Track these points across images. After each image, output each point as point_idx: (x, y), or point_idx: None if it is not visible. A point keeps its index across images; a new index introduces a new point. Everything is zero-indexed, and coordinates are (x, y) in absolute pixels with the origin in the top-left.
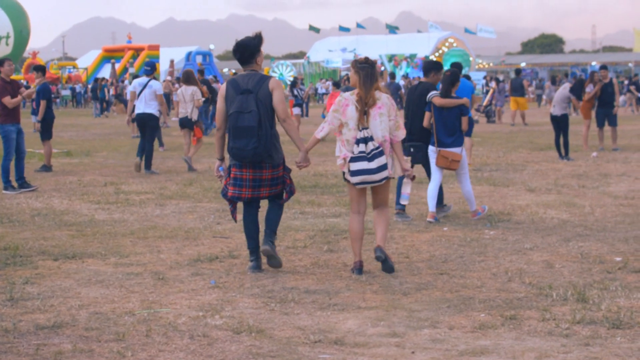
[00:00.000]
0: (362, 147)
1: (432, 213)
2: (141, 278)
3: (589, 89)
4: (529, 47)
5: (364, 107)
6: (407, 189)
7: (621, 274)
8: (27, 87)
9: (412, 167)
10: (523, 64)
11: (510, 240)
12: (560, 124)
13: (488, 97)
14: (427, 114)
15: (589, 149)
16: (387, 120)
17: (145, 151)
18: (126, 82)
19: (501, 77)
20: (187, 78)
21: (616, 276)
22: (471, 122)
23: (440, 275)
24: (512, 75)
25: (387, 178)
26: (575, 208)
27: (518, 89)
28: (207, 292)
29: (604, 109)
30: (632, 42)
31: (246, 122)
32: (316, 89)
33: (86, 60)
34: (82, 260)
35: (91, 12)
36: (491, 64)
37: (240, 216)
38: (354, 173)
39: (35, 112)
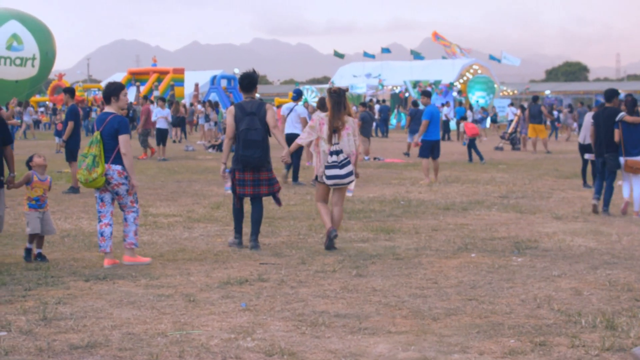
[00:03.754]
0: (334, 157)
1: (636, 212)
2: (172, 300)
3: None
4: (553, 74)
5: (332, 128)
6: (352, 185)
7: None
8: (55, 110)
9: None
10: (547, 92)
11: (538, 267)
12: (588, 152)
13: (513, 124)
14: (616, 131)
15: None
16: (352, 139)
17: (293, 165)
18: (152, 105)
19: (526, 105)
20: (322, 105)
21: None
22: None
23: (469, 301)
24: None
25: (353, 181)
26: (602, 236)
27: (536, 116)
28: (238, 315)
29: None
30: None
31: (254, 137)
32: None
33: None
34: (113, 282)
35: (116, 34)
36: (515, 91)
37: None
38: (329, 177)
39: (58, 134)
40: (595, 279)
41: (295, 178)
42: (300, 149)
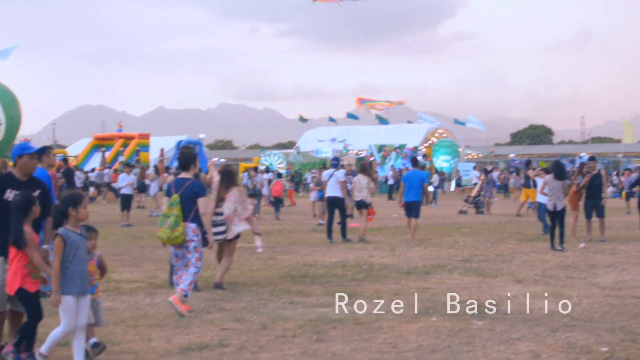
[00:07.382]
0: (219, 217)
1: None
2: None
3: (578, 181)
4: (517, 137)
5: (218, 197)
6: (257, 242)
7: None
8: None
9: None
10: (512, 155)
11: (498, 331)
12: (557, 215)
13: (477, 187)
14: None
15: (576, 240)
16: (232, 204)
17: (341, 224)
18: (106, 171)
19: (489, 168)
20: (362, 169)
21: None
22: (418, 205)
23: None
24: (501, 165)
25: (226, 238)
26: (563, 299)
27: (527, 180)
28: None
29: (592, 200)
30: (621, 133)
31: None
32: (304, 178)
33: (77, 148)
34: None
35: (82, 100)
36: (480, 155)
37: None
38: (215, 234)
39: None
40: (554, 341)
41: (344, 235)
42: (343, 209)
